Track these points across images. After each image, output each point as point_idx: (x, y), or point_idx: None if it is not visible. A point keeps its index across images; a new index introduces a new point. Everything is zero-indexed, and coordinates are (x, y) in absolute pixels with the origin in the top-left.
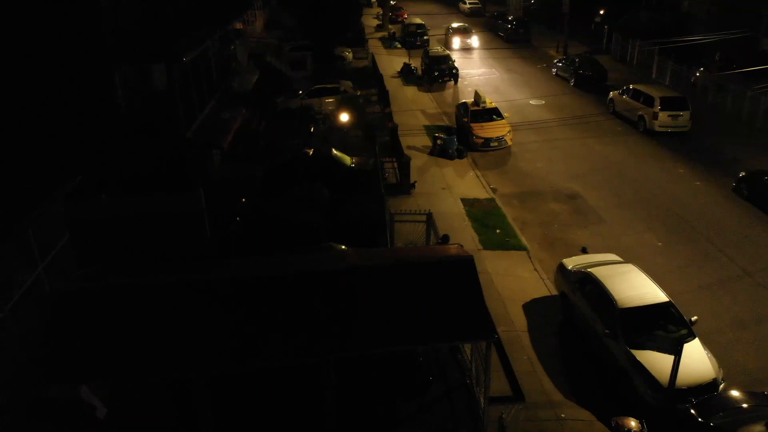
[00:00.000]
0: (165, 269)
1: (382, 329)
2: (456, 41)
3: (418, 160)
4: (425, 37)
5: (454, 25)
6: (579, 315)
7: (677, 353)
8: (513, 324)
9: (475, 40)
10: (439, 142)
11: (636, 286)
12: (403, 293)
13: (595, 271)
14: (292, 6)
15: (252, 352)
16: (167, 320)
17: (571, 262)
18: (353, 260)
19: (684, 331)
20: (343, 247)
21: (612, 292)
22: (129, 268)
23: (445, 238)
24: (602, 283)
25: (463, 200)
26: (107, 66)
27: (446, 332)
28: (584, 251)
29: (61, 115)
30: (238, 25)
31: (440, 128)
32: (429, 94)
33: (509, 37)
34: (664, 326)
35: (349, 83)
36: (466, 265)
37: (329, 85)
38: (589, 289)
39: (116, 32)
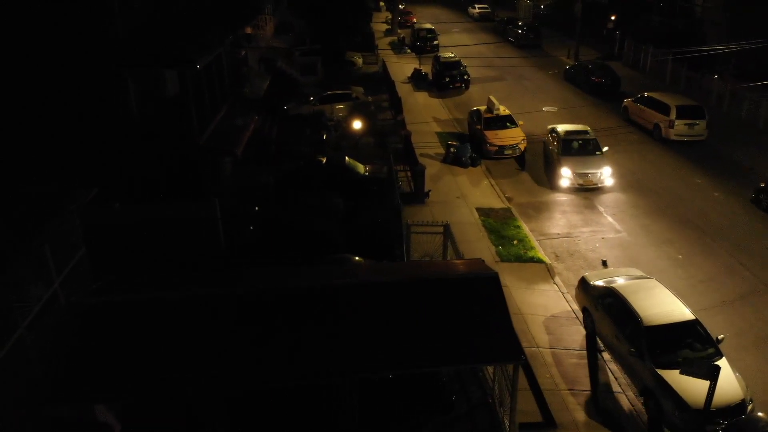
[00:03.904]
0: (180, 281)
1: (405, 349)
2: (565, 174)
3: (431, 168)
4: (435, 42)
5: (564, 129)
6: (602, 332)
7: (713, 379)
8: (534, 340)
9: (606, 172)
10: (452, 149)
11: (661, 303)
12: (427, 311)
13: (619, 286)
14: (302, 9)
15: (273, 372)
16: (186, 335)
17: (594, 277)
18: (373, 275)
19: (711, 350)
20: (358, 258)
21: (637, 310)
22: (143, 280)
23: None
24: (626, 300)
25: (478, 210)
26: (120, 71)
27: (472, 353)
28: (604, 264)
29: (72, 122)
30: (248, 30)
31: (452, 135)
32: (440, 99)
33: (520, 42)
34: (690, 345)
35: (360, 89)
36: (491, 282)
37: (340, 91)
38: (613, 305)
39: (129, 37)
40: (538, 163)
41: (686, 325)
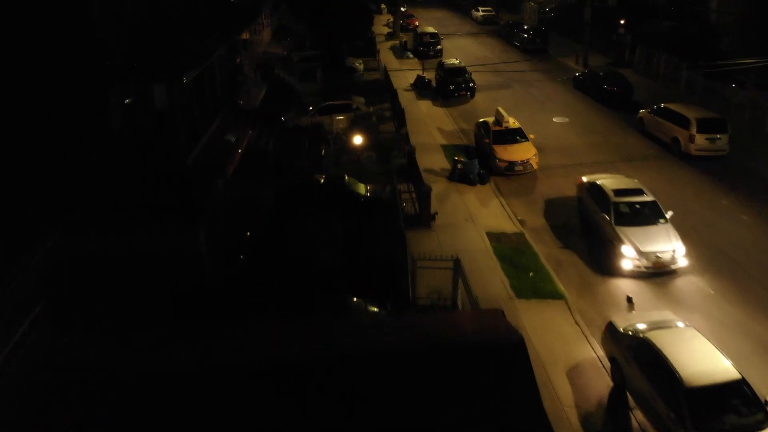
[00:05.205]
0: (155, 341)
1: None
2: (628, 254)
3: (436, 186)
4: (438, 47)
5: (610, 185)
6: (634, 388)
7: None
8: (557, 397)
9: (680, 250)
10: (459, 166)
11: (702, 358)
12: (440, 390)
13: (653, 336)
14: (302, 12)
15: None
16: (156, 417)
17: (623, 322)
18: (377, 335)
19: (760, 416)
20: (356, 299)
21: (676, 367)
22: (110, 341)
23: None
24: (663, 355)
25: (488, 234)
26: (101, 88)
27: None
28: (629, 301)
29: (44, 147)
30: (245, 35)
31: (458, 148)
32: (444, 109)
33: (525, 47)
34: (737, 409)
35: (361, 99)
36: (516, 350)
37: (340, 102)
38: (647, 359)
39: (111, 48)
40: (552, 181)
41: (732, 385)
